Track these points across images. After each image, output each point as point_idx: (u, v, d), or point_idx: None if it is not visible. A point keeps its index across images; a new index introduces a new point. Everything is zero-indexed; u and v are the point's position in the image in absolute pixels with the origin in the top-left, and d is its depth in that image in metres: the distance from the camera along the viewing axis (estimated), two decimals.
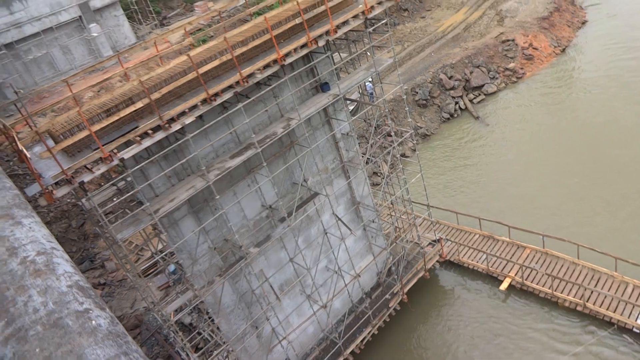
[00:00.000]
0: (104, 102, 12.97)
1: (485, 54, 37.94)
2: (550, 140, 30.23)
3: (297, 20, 14.95)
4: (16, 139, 11.46)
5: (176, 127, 12.67)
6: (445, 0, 47.80)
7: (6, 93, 30.92)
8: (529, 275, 21.78)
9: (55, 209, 25.41)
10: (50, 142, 12.64)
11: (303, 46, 14.96)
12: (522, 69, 37.28)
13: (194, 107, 12.99)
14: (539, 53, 38.52)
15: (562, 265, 21.75)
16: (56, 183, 11.47)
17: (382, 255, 21.16)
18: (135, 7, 40.24)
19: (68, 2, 33.28)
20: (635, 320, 18.83)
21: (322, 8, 15.50)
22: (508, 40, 39.01)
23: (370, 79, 36.89)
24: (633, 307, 19.17)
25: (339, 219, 18.47)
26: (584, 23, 42.57)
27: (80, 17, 33.83)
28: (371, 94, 36.30)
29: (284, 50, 14.39)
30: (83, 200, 14.28)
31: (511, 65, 37.34)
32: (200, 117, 13.43)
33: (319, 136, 17.42)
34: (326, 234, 18.24)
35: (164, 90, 12.80)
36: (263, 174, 15.39)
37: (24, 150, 11.42)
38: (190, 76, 13.03)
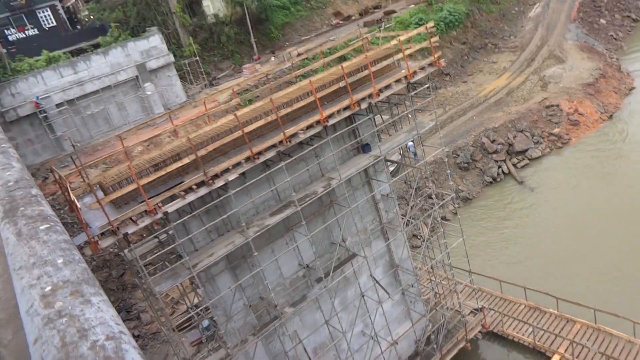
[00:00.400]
0: (153, 157, 13.48)
1: (528, 119, 37.64)
2: (599, 207, 29.05)
3: (341, 84, 15.37)
4: (69, 189, 11.98)
5: (219, 183, 12.95)
6: (487, 66, 48.37)
7: (64, 145, 32.77)
8: (580, 352, 20.31)
9: (98, 258, 26.04)
10: (100, 194, 13.14)
11: (346, 108, 15.27)
12: (567, 134, 36.64)
13: (237, 165, 13.30)
14: (584, 119, 37.89)
15: (616, 344, 20.21)
16: (102, 233, 11.81)
17: (421, 322, 20.33)
18: (188, 69, 42.59)
19: (127, 63, 35.63)
20: None
21: (366, 72, 15.92)
22: (552, 106, 38.68)
23: (412, 140, 37.17)
24: None
25: (377, 281, 18.03)
26: (631, 90, 41.91)
27: (137, 76, 36.04)
28: (414, 153, 36.29)
29: (327, 112, 14.72)
30: (125, 251, 14.58)
31: (556, 130, 36.79)
32: (242, 174, 13.71)
33: (359, 196, 17.39)
34: (363, 296, 17.77)
35: (210, 148, 13.22)
36: (302, 232, 15.36)
37: (75, 200, 11.90)
38: (236, 134, 13.45)
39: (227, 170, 13.15)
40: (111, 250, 25.73)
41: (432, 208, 19.26)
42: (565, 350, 20.49)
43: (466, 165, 34.29)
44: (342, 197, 16.42)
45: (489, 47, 52.21)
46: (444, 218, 29.24)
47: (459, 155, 34.54)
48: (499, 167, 34.64)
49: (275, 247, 15.53)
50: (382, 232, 18.53)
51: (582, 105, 38.80)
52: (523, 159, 35.18)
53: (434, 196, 20.10)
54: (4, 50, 41.45)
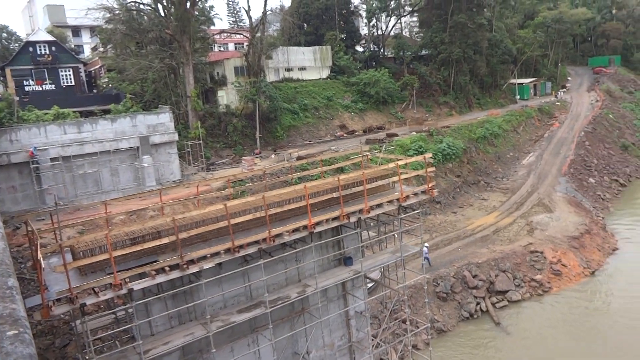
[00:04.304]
0: (133, 231, 13.22)
1: (512, 260, 37.83)
2: None
3: (334, 195, 15.61)
4: (38, 246, 11.56)
5: (194, 269, 12.59)
6: (478, 202, 49.69)
7: (46, 199, 32.30)
8: None
9: (46, 322, 24.40)
10: (69, 257, 12.66)
11: (335, 219, 15.36)
12: (549, 282, 36.60)
13: (215, 254, 13.03)
14: (567, 271, 38.10)
15: None
16: (58, 299, 11.18)
17: None
18: (189, 150, 43.49)
19: (131, 133, 36.39)
20: None
21: (360, 188, 16.27)
22: (537, 252, 39.09)
23: (427, 244, 36.79)
24: None
25: None
26: (614, 250, 42.67)
27: (137, 147, 36.61)
28: (427, 257, 35.83)
29: (316, 219, 14.77)
30: (77, 322, 13.71)
31: (538, 277, 36.82)
32: (219, 264, 13.36)
33: (332, 309, 16.85)
34: None
35: (193, 232, 13.04)
36: (266, 336, 14.62)
37: (41, 259, 11.43)
38: (222, 224, 13.34)
39: (204, 258, 12.84)
40: (62, 317, 24.22)
41: (404, 334, 18.60)
42: None
43: (445, 295, 33.77)
44: (314, 306, 15.90)
45: (481, 184, 54.06)
46: (415, 347, 28.10)
47: (439, 284, 34.14)
48: (478, 303, 34.09)
49: (236, 347, 14.68)
50: (349, 351, 17.69)
51: (566, 257, 39.24)
52: (502, 300, 34.75)
53: (408, 322, 19.51)
54: (17, 98, 42.51)
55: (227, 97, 54.85)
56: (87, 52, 77.92)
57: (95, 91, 60.04)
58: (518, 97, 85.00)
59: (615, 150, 67.28)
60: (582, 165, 59.23)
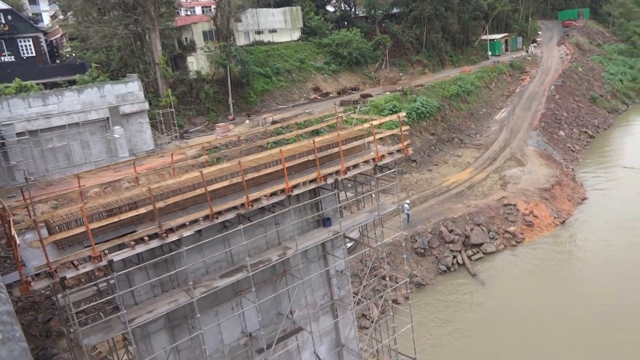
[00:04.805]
0: (108, 202, 13.10)
1: (486, 214, 38.86)
2: (543, 310, 29.51)
3: (311, 157, 15.64)
4: (11, 222, 11.38)
5: (173, 237, 12.60)
6: (452, 158, 50.43)
7: (16, 175, 31.52)
8: None
9: (27, 299, 24.27)
10: (45, 232, 12.52)
11: (312, 181, 15.44)
12: (522, 233, 37.85)
13: (194, 221, 13.04)
14: (539, 221, 39.39)
15: None
16: (37, 274, 11.11)
17: None
18: (161, 119, 42.64)
19: (100, 104, 35.42)
20: None
21: (336, 150, 16.31)
22: (510, 205, 40.20)
23: (407, 201, 37.89)
24: None
25: (320, 359, 17.39)
26: (584, 200, 44.14)
27: (107, 118, 35.74)
28: (408, 214, 36.85)
29: (293, 182, 14.84)
30: (59, 296, 13.71)
31: (511, 228, 38.00)
32: (198, 231, 13.40)
33: (313, 269, 17.16)
34: None
35: (170, 201, 12.98)
36: (249, 299, 14.88)
37: (15, 235, 11.28)
38: (199, 192, 13.31)
39: (183, 226, 12.85)
40: (43, 292, 24.11)
41: (384, 290, 19.14)
42: None
43: (423, 251, 34.67)
44: (296, 267, 16.16)
45: (455, 141, 54.73)
46: (395, 301, 28.96)
47: (416, 240, 34.98)
48: (454, 257, 35.16)
49: (220, 311, 14.92)
50: (331, 309, 18.16)
51: (538, 208, 40.47)
52: (478, 252, 35.89)
53: (387, 278, 20.05)
54: None
55: (197, 63, 53.56)
56: (46, 21, 74.58)
57: (58, 62, 57.79)
58: (490, 53, 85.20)
59: (584, 103, 68.59)
60: (552, 119, 60.33)
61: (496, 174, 46.10)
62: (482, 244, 36.32)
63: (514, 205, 40.12)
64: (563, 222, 40.08)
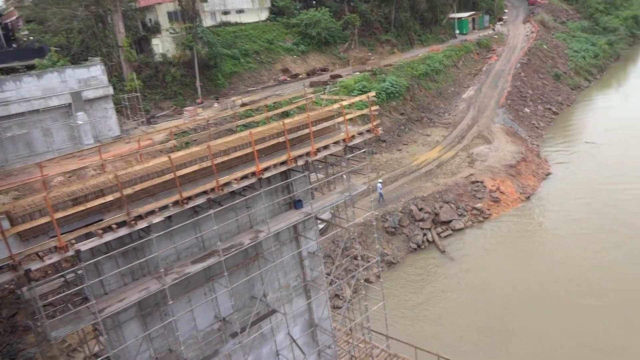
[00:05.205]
0: (74, 191, 12.79)
1: (455, 192, 39.62)
2: (510, 281, 30.56)
3: (281, 139, 15.57)
4: None
5: (142, 225, 12.42)
6: (421, 138, 51.01)
7: None
8: None
9: None
10: (6, 224, 12.17)
11: (282, 163, 15.41)
12: (488, 209, 38.80)
13: (164, 208, 12.87)
14: (505, 197, 40.41)
15: None
16: (0, 267, 10.83)
17: None
18: (127, 103, 41.60)
19: (61, 89, 34.27)
20: None
21: (306, 131, 16.28)
22: (477, 182, 41.05)
23: (380, 180, 38.42)
24: None
25: (294, 340, 17.62)
26: (548, 175, 45.45)
27: (70, 104, 34.64)
28: (381, 194, 37.33)
29: (264, 165, 14.77)
30: (24, 289, 13.41)
31: (479, 205, 38.89)
32: (168, 217, 13.25)
33: (285, 252, 17.24)
34: (278, 355, 17.25)
35: (138, 187, 12.75)
36: (222, 283, 14.87)
37: None
38: (167, 177, 13.11)
39: (152, 212, 12.67)
40: (6, 286, 23.51)
41: (356, 269, 19.40)
42: None
43: (393, 230, 35.20)
44: (268, 250, 16.21)
45: (424, 121, 55.30)
46: (367, 280, 29.48)
47: (387, 220, 35.46)
48: (424, 234, 35.84)
49: (193, 297, 14.88)
50: (304, 290, 18.33)
51: (504, 185, 41.48)
52: (447, 229, 36.68)
53: (359, 258, 20.33)
54: None
55: (162, 46, 52.22)
56: None
57: (14, 45, 55.42)
58: (457, 31, 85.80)
59: (549, 80, 70.08)
60: (518, 96, 61.51)
61: (464, 152, 46.91)
62: (450, 221, 37.11)
63: (482, 182, 41.00)
64: (528, 197, 41.23)
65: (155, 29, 53.08)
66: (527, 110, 59.59)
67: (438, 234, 36.21)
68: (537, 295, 29.18)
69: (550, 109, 62.62)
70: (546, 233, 36.32)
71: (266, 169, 14.85)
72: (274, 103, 35.90)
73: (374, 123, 18.00)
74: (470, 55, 74.74)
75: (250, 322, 15.76)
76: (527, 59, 72.19)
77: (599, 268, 30.93)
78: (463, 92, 64.17)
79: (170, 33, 51.35)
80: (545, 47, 79.10)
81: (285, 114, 31.61)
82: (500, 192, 40.52)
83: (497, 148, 47.28)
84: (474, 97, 61.52)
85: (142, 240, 12.82)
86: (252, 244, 15.16)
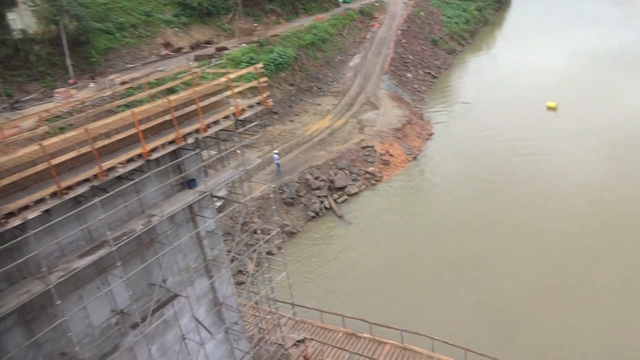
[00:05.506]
0: None
1: (348, 158, 40.95)
2: (405, 237, 32.73)
3: (167, 117, 14.85)
4: None
5: (15, 222, 11.26)
6: (312, 107, 51.67)
7: None
8: None
9: None
10: None
11: (171, 142, 14.76)
12: (380, 172, 40.74)
13: (40, 201, 11.76)
14: (394, 159, 42.64)
15: None
16: None
17: (245, 359, 20.06)
18: None
19: None
20: None
21: (194, 107, 15.67)
22: (368, 147, 42.76)
23: (276, 151, 38.19)
24: None
25: (199, 322, 17.36)
26: (431, 135, 48.60)
27: None
28: (278, 164, 37.16)
29: (151, 145, 14.03)
30: None
31: (370, 169, 40.65)
32: (46, 211, 12.15)
33: (182, 234, 16.70)
34: (184, 339, 16.92)
35: (6, 181, 11.49)
36: (116, 274, 14.09)
37: None
38: (41, 167, 11.95)
39: (26, 207, 11.52)
40: None
41: (257, 243, 19.43)
42: None
43: (291, 200, 35.67)
44: (164, 234, 15.60)
45: (314, 90, 55.95)
46: (269, 253, 29.74)
47: (284, 191, 35.80)
48: (322, 202, 36.80)
49: (84, 293, 13.93)
50: (206, 270, 18.02)
51: (392, 148, 43.67)
52: (343, 195, 37.99)
53: (259, 231, 20.33)
54: None
55: (21, 20, 46.64)
56: None
57: None
58: (341, 0, 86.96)
59: (427, 46, 74.09)
60: (400, 62, 64.39)
61: (354, 118, 48.43)
62: (345, 186, 38.44)
63: (372, 146, 42.79)
64: (415, 158, 43.91)
65: (10, 2, 47.19)
66: (409, 75, 62.70)
67: (335, 200, 37.36)
68: (424, 245, 31.68)
69: (430, 73, 66.46)
70: (432, 189, 39.16)
71: (154, 150, 14.14)
72: (158, 79, 34.04)
73: (264, 95, 17.83)
74: (354, 24, 76.42)
75: (151, 311, 15.18)
76: (406, 25, 75.49)
77: (479, 215, 34.09)
78: (349, 60, 65.70)
79: (30, 6, 46.02)
80: (422, 14, 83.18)
81: (171, 91, 30.14)
82: (389, 155, 42.62)
83: (384, 113, 49.40)
84: (360, 64, 63.29)
85: (18, 239, 11.65)
86: (145, 229, 14.46)
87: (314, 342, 23.87)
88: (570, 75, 60.45)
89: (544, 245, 30.42)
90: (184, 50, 55.28)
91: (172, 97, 15.47)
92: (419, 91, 60.12)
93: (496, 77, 63.88)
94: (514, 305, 26.07)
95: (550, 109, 51.69)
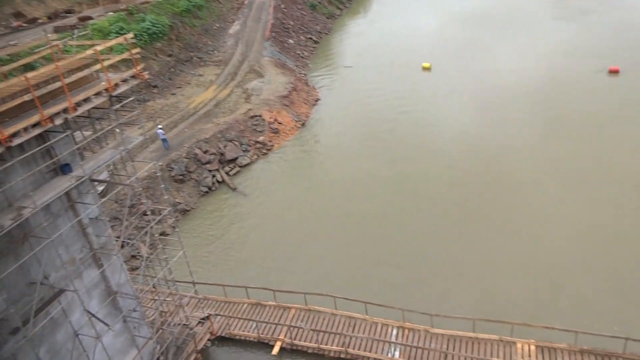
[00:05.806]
0: None
1: (236, 129, 40.13)
2: (301, 202, 33.27)
3: (27, 97, 13.26)
4: None
5: None
6: (194, 79, 49.49)
7: None
8: (297, 334, 22.73)
9: None
10: None
11: (35, 125, 13.28)
12: (270, 141, 40.57)
13: None
14: (283, 127, 42.64)
15: (324, 319, 23.41)
16: None
17: (148, 346, 19.31)
18: None
19: None
20: (390, 356, 21.23)
21: (58, 84, 14.17)
22: (256, 116, 42.21)
23: (160, 126, 35.92)
24: (384, 344, 21.67)
25: (93, 315, 16.26)
26: (317, 101, 49.20)
27: None
28: (164, 139, 35.03)
29: (10, 130, 12.50)
30: None
31: (260, 138, 40.31)
32: None
33: (62, 224, 15.30)
34: (77, 336, 15.78)
35: None
36: None
37: None
38: None
39: None
40: None
41: (148, 225, 18.49)
42: (285, 335, 22.66)
43: (181, 177, 34.33)
44: (39, 227, 14.17)
45: (194, 60, 53.50)
46: (163, 234, 28.59)
47: (173, 169, 34.30)
48: (213, 176, 35.89)
49: None
50: (94, 259, 16.81)
51: (281, 115, 43.56)
52: (234, 167, 37.34)
53: (149, 212, 19.33)
54: None
55: None
56: None
57: None
58: None
59: (306, 11, 73.96)
60: (281, 28, 63.70)
61: (239, 88, 47.34)
62: (236, 158, 37.80)
63: (260, 116, 42.31)
64: (303, 124, 44.29)
65: None
66: (291, 41, 62.38)
67: (227, 173, 36.64)
68: (320, 205, 32.59)
69: (311, 38, 66.66)
70: (324, 152, 39.96)
71: (15, 135, 12.62)
72: (10, 55, 30.27)
73: (138, 67, 16.63)
74: None
75: (33, 312, 13.87)
76: None
77: (368, 175, 35.58)
78: (229, 27, 63.56)
79: None
80: None
81: (29, 67, 27.09)
82: (278, 123, 42.51)
83: (269, 81, 48.87)
84: (240, 31, 61.55)
85: None
86: (15, 224, 13.00)
87: (219, 317, 23.69)
88: (444, 37, 64.12)
89: (432, 194, 32.66)
90: (40, 21, 49.46)
91: (31, 75, 13.84)
92: (302, 57, 60.17)
93: (375, 40, 65.88)
94: (406, 253, 27.82)
95: (425, 69, 54.70)
